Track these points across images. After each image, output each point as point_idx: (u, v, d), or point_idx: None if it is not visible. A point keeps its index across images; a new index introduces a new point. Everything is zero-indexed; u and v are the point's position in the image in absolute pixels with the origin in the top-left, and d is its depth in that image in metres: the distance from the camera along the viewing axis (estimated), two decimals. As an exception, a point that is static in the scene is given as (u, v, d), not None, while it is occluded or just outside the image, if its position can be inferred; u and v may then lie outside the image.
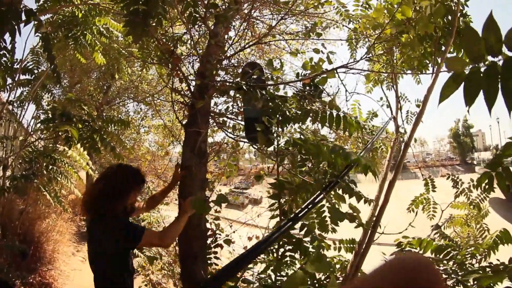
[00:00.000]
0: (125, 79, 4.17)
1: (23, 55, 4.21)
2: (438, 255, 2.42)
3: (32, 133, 4.03)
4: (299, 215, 1.37)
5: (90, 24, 4.06)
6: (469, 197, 4.06)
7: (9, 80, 3.87)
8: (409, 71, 2.94)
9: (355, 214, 1.73)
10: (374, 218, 2.23)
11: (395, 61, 2.90)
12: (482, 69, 0.79)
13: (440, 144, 45.57)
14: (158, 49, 2.14)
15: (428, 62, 2.94)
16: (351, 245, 2.46)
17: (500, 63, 0.77)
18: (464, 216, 4.40)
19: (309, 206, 1.41)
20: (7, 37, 2.50)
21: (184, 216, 1.59)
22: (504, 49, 0.75)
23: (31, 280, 3.70)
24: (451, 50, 2.89)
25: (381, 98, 2.86)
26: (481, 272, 1.98)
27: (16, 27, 2.26)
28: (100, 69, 5.98)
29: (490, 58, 0.81)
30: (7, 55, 2.59)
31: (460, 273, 2.12)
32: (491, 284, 1.96)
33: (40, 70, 4.47)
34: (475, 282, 2.04)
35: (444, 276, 2.18)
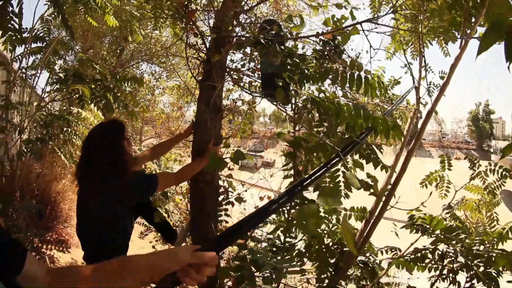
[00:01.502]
0: (139, 40, 4.09)
1: (33, 23, 4.15)
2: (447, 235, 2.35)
3: (46, 96, 4.05)
4: (314, 177, 1.31)
5: (100, -14, 3.93)
6: (485, 182, 3.93)
7: (18, 51, 3.87)
8: (436, 40, 2.75)
9: (372, 183, 1.67)
10: (390, 186, 2.18)
11: (420, 28, 2.71)
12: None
13: (458, 126, 44.00)
14: (171, 4, 2.05)
15: (456, 32, 2.74)
16: (362, 214, 2.43)
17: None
18: (476, 200, 4.29)
19: (325, 168, 1.35)
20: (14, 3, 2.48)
21: (203, 161, 1.58)
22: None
23: (48, 238, 3.88)
24: (482, 22, 2.67)
25: (405, 65, 2.71)
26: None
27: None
28: (112, 33, 5.91)
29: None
30: (15, 18, 2.55)
31: (469, 258, 2.05)
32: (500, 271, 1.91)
33: (51, 37, 4.43)
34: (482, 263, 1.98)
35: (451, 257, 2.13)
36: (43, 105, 3.86)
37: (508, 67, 0.75)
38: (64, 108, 3.86)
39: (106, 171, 1.51)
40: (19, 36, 2.62)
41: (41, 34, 4.22)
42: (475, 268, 2.00)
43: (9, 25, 2.52)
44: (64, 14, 2.23)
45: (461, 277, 2.11)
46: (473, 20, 2.72)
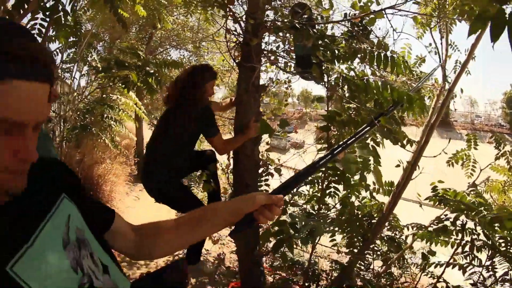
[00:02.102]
0: (168, 27, 4.28)
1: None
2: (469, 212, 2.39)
3: (88, 85, 4.37)
4: (355, 138, 1.45)
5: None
6: (510, 162, 3.86)
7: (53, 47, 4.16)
8: (459, 19, 2.74)
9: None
10: (414, 159, 2.31)
11: (446, 6, 2.71)
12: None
13: (491, 108, 40.92)
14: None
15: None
16: (390, 188, 2.55)
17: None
18: (502, 182, 4.21)
19: (362, 132, 1.49)
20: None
21: (246, 135, 1.78)
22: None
23: (92, 217, 4.25)
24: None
25: (430, 44, 2.74)
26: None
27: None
28: (139, 22, 6.16)
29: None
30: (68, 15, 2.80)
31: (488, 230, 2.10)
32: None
33: (83, 31, 4.71)
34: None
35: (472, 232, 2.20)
36: (87, 95, 4.18)
37: (493, 47, 0.94)
38: (104, 96, 4.16)
39: (186, 101, 1.88)
40: (69, 30, 2.87)
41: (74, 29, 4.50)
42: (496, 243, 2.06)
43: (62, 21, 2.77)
44: (117, 7, 2.45)
45: (483, 256, 2.20)
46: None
